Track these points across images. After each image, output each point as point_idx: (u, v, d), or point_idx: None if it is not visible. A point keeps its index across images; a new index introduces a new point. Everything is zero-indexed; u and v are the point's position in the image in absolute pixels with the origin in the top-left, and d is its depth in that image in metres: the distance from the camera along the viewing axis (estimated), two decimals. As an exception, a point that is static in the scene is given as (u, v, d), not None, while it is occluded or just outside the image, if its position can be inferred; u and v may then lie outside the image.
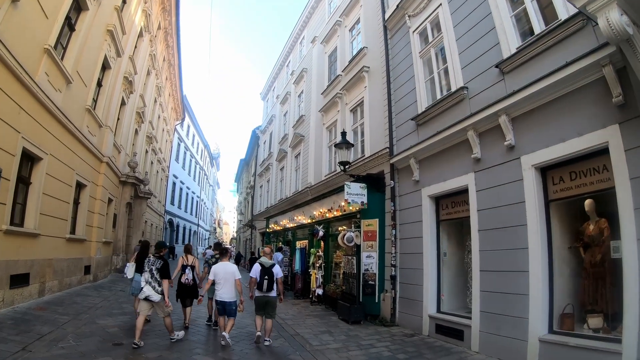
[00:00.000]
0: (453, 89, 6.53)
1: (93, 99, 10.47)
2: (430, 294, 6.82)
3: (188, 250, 6.75)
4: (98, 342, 5.12)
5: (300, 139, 14.87)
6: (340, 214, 9.69)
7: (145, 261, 5.46)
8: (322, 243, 10.81)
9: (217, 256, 6.71)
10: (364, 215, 8.46)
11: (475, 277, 5.75)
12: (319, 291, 10.05)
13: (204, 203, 48.32)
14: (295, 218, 13.60)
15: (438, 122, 6.85)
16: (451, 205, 6.83)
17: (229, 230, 56.54)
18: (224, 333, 5.43)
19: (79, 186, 9.88)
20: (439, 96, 7.03)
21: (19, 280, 6.70)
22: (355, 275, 8.20)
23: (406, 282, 7.54)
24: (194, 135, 38.02)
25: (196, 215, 41.73)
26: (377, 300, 7.98)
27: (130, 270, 6.66)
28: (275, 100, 20.96)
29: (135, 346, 4.89)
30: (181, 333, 5.69)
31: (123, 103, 13.68)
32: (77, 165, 9.37)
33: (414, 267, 7.27)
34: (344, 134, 8.58)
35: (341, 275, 9.78)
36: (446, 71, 6.95)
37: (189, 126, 35.35)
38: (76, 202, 9.76)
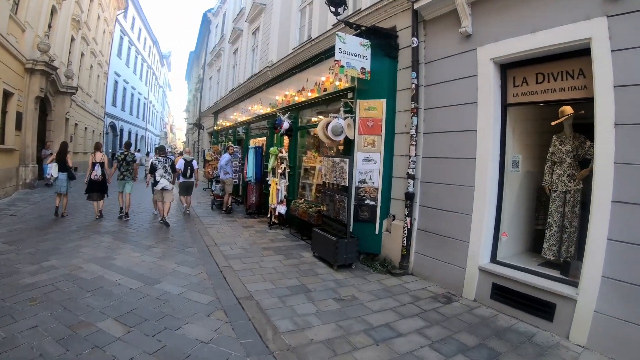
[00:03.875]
0: None
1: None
2: (484, 231, 3.86)
3: (97, 147, 7.48)
4: None
5: (260, 9, 10.86)
6: (318, 95, 6.34)
7: (157, 162, 6.97)
8: (286, 140, 7.26)
9: (126, 152, 7.62)
10: (361, 94, 5.21)
11: (598, 214, 2.95)
12: (281, 209, 6.95)
13: (153, 106, 43.17)
14: (250, 109, 10.21)
15: None
16: (536, 79, 3.67)
17: (182, 135, 51.51)
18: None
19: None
20: None
21: None
22: (347, 190, 4.79)
23: (434, 205, 4.47)
24: (140, 30, 31.86)
25: (144, 118, 37.22)
26: (377, 232, 5.01)
27: (54, 169, 6.94)
28: (231, -26, 16.00)
29: (162, 221, 6.98)
30: (168, 222, 7.03)
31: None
32: None
33: (452, 183, 4.26)
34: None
35: (314, 188, 6.53)
36: None
37: (134, 18, 29.39)
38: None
